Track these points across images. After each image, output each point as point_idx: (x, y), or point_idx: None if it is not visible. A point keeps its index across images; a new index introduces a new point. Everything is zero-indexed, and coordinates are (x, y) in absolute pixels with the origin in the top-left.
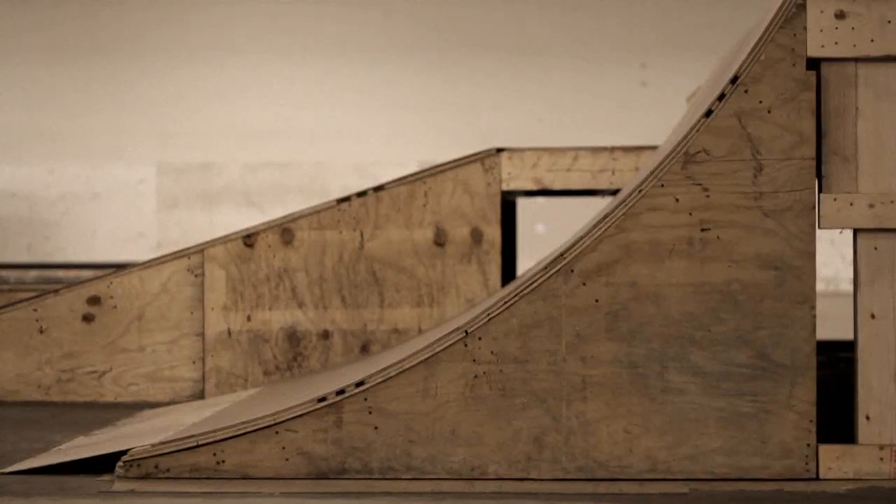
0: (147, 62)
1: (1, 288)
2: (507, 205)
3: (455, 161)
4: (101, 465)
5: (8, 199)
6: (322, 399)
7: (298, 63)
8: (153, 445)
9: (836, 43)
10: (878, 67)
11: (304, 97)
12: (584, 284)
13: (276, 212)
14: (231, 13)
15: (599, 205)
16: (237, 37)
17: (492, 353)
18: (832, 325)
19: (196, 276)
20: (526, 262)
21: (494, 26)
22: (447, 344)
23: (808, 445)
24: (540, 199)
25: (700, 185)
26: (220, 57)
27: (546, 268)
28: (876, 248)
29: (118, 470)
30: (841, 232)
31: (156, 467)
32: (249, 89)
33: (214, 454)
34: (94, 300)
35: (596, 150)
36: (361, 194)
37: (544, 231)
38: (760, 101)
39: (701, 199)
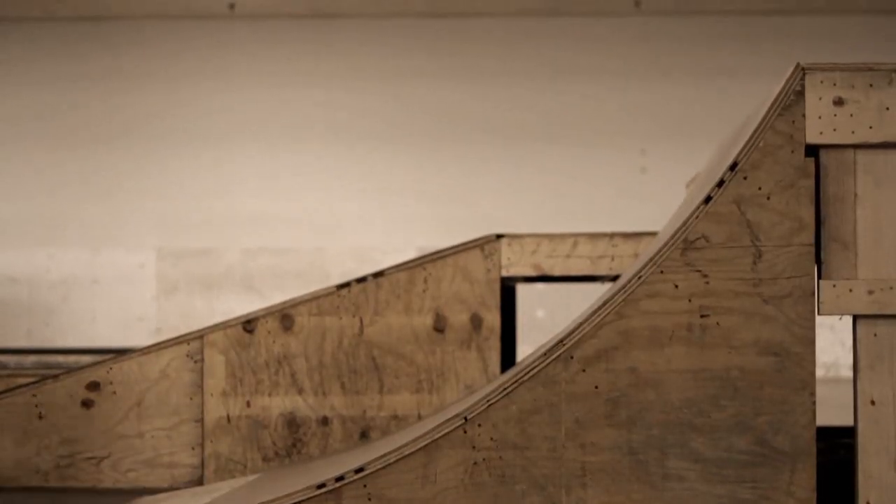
0: (147, 148)
1: (0, 373)
2: (507, 290)
3: (455, 247)
4: None
5: (8, 283)
6: (321, 486)
7: (297, 149)
8: None
9: (834, 130)
10: (878, 154)
11: (303, 183)
12: (583, 371)
13: (276, 297)
14: (230, 101)
15: (599, 291)
16: (236, 124)
17: (491, 439)
18: (832, 411)
19: (195, 361)
20: (526, 348)
21: (493, 112)
22: (446, 430)
23: None
24: (540, 285)
25: (699, 271)
26: (220, 143)
27: (545, 354)
28: (875, 335)
29: None
30: (840, 318)
31: None
32: (249, 175)
33: None
34: (94, 386)
35: (595, 237)
36: (361, 280)
37: (544, 317)
38: (759, 188)
39: (700, 285)
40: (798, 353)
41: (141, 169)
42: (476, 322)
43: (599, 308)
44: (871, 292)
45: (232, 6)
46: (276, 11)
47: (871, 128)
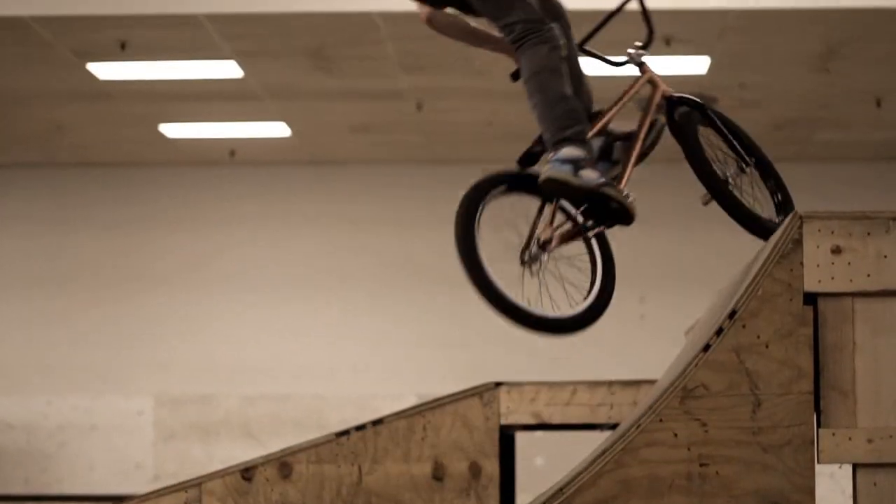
0: (145, 295)
1: None
2: (506, 438)
3: (454, 395)
4: None
5: (6, 430)
6: None
7: (296, 295)
8: None
9: (832, 278)
10: (875, 302)
11: (302, 331)
12: None
13: (275, 445)
14: (229, 246)
15: (598, 439)
16: (235, 270)
17: None
18: None
19: None
20: (525, 497)
21: (493, 258)
22: None
23: None
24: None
25: (698, 419)
26: (218, 291)
27: (545, 503)
28: (875, 484)
29: None
30: (840, 466)
31: None
32: (247, 322)
33: None
34: None
35: (594, 385)
36: (360, 428)
37: (543, 465)
38: (758, 336)
39: (699, 434)
40: (798, 501)
41: (139, 315)
42: (475, 470)
43: (599, 457)
44: (870, 441)
45: (232, 153)
46: (275, 158)
47: (869, 276)
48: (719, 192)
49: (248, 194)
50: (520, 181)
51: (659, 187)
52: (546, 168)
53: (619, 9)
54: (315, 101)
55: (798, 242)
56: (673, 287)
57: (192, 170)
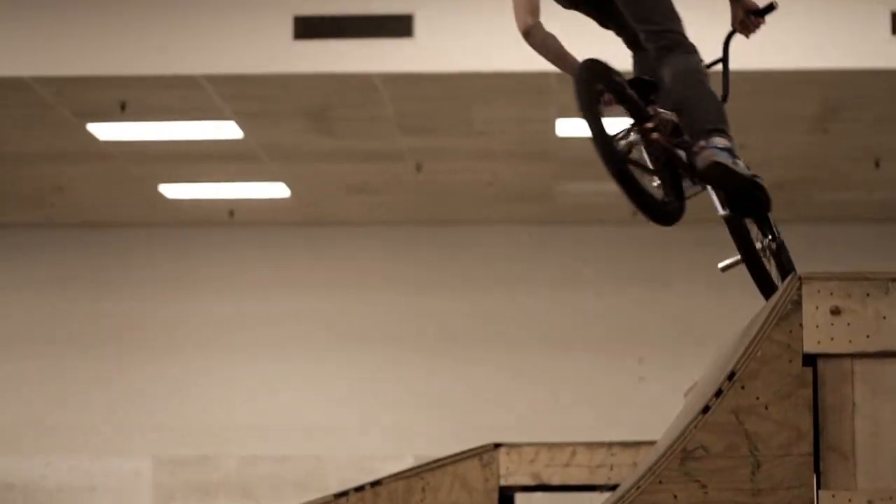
0: (144, 356)
1: None
2: (506, 499)
3: (453, 456)
4: None
5: (5, 490)
6: None
7: (295, 356)
8: None
9: (831, 339)
10: (875, 363)
11: (301, 391)
12: None
13: None
14: (228, 307)
15: (598, 500)
16: (234, 330)
17: None
18: None
19: None
20: None
21: (491, 320)
22: None
23: None
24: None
25: (698, 481)
26: (216, 351)
27: None
28: None
29: None
30: None
31: None
32: (245, 383)
33: None
34: None
35: (593, 446)
36: (359, 489)
37: None
38: (758, 398)
39: (699, 495)
40: None
41: (138, 375)
42: None
43: None
44: (870, 502)
45: (232, 213)
46: (274, 219)
47: (868, 337)
48: (763, 279)
49: (247, 254)
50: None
51: (658, 249)
52: (707, 153)
53: (709, 66)
54: (314, 161)
55: (797, 303)
56: (672, 348)
57: (192, 230)
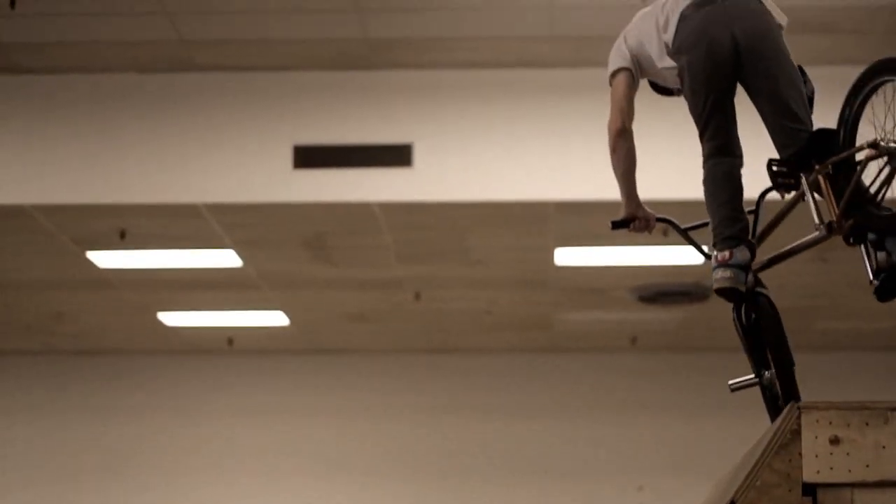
0: (143, 483)
1: None
2: None
3: None
4: None
5: None
6: None
7: (294, 484)
8: None
9: (831, 468)
10: (874, 493)
11: None
12: None
13: None
14: (225, 437)
15: None
16: (231, 459)
17: None
18: None
19: None
20: None
21: (492, 447)
22: None
23: None
24: None
25: None
26: (216, 478)
27: None
28: None
29: None
30: None
31: None
32: None
33: None
34: None
35: None
36: None
37: None
38: None
39: None
40: None
41: (138, 503)
42: None
43: None
44: None
45: (230, 341)
46: (273, 346)
47: (867, 466)
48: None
49: (246, 382)
50: None
51: (657, 377)
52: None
53: (759, 207)
54: (313, 290)
55: (796, 433)
56: (672, 476)
57: (191, 358)
